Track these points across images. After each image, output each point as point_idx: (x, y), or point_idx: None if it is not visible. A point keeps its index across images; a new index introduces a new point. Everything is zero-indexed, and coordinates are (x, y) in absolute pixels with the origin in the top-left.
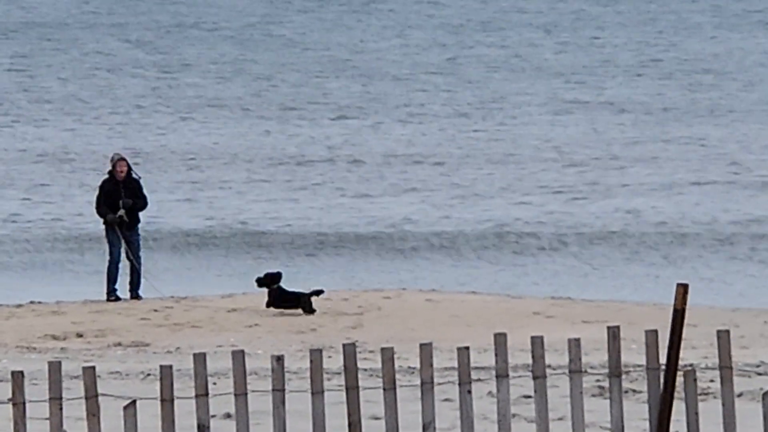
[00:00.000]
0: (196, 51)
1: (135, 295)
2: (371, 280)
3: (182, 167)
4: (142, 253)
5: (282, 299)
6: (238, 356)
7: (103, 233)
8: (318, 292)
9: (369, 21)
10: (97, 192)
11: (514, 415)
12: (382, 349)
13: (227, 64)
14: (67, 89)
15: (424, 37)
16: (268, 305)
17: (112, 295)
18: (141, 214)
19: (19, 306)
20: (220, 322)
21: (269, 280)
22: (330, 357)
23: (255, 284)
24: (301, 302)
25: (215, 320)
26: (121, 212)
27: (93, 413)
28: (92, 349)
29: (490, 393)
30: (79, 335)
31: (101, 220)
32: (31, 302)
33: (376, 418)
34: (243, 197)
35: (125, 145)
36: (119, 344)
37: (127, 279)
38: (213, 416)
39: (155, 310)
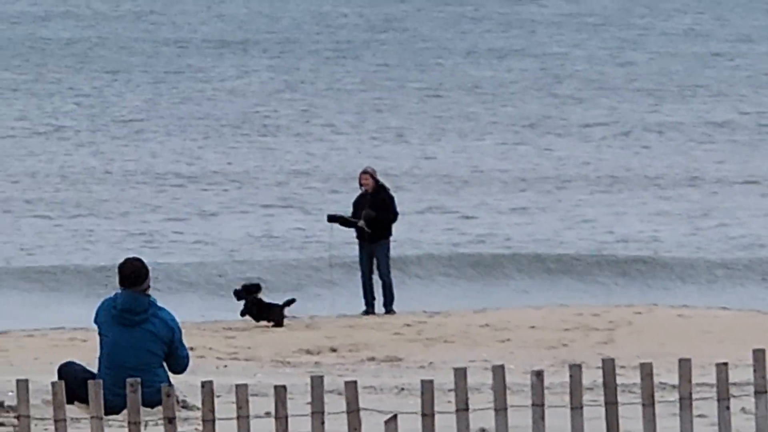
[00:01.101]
0: (455, 68)
1: (388, 309)
2: (622, 295)
3: (436, 185)
4: (391, 268)
5: (258, 311)
6: (498, 371)
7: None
8: (290, 302)
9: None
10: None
11: None
12: (641, 365)
13: (468, 79)
14: (340, 105)
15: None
16: (242, 314)
17: (369, 309)
18: (393, 229)
19: None
20: (472, 336)
21: (245, 292)
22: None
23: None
24: (272, 314)
25: (468, 335)
26: (361, 222)
27: (354, 427)
28: (346, 364)
29: (743, 409)
30: (333, 350)
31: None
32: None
33: None
34: (488, 213)
35: (374, 162)
36: (373, 359)
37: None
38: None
39: (408, 325)
